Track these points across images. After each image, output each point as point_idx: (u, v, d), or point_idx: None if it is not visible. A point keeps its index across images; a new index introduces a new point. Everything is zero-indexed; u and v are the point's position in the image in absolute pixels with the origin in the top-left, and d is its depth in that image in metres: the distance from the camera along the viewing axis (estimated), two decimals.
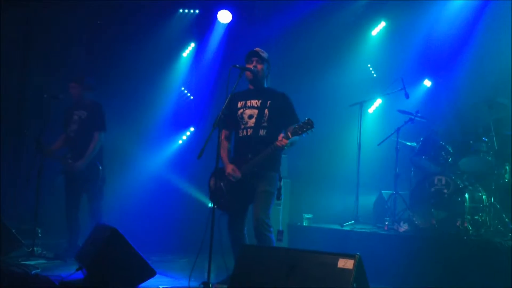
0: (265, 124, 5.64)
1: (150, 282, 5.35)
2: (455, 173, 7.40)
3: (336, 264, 4.22)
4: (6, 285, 5.29)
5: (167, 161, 9.88)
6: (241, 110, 5.74)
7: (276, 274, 4.43)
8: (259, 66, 5.73)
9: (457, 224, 6.78)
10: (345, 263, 4.19)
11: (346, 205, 8.44)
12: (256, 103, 5.72)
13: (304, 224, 8.09)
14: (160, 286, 5.55)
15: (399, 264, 6.51)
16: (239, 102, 5.78)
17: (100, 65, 9.79)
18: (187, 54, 10.30)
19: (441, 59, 9.05)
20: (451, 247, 6.38)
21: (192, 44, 10.27)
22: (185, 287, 5.42)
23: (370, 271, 4.29)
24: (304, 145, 5.70)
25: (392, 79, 8.49)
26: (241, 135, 5.73)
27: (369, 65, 9.87)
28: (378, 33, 9.76)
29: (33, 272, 5.79)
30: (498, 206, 7.17)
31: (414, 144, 8.12)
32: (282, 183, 5.71)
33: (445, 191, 7.13)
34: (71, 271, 5.57)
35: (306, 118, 5.32)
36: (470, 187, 7.13)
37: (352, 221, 7.90)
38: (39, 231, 7.51)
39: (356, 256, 4.18)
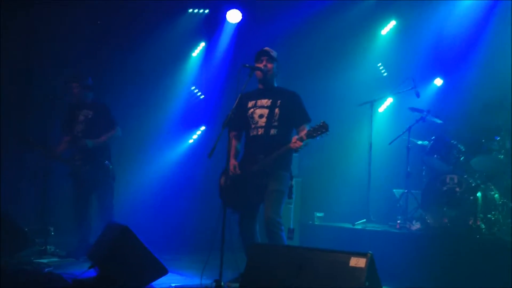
0: (275, 123, 5.64)
1: (163, 280, 5.36)
2: (467, 171, 7.37)
3: (348, 263, 4.21)
4: (19, 283, 5.32)
5: (178, 160, 9.90)
6: (252, 110, 5.74)
7: (287, 273, 4.43)
8: (269, 65, 5.73)
9: (470, 222, 6.76)
10: (357, 262, 4.18)
11: (358, 204, 8.43)
12: (266, 102, 5.72)
13: (315, 223, 8.09)
14: (172, 284, 5.56)
15: (411, 262, 6.49)
16: (249, 102, 5.78)
17: (110, 65, 9.81)
18: (197, 54, 10.31)
19: (452, 58, 9.01)
20: (463, 245, 6.36)
21: (202, 44, 10.27)
22: (197, 285, 5.43)
23: (382, 270, 4.29)
24: (315, 144, 5.68)
25: (403, 78, 8.44)
26: (251, 134, 5.73)
27: (379, 64, 9.83)
28: (388, 32, 9.72)
29: (46, 270, 5.82)
30: (510, 205, 7.14)
31: (425, 143, 8.10)
32: (293, 182, 5.70)
33: (457, 189, 7.10)
34: (84, 269, 5.59)
35: (321, 121, 5.30)
36: (483, 186, 7.10)
37: (364, 220, 7.89)
38: (52, 229, 7.55)
39: (368, 254, 4.17)
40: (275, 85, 5.87)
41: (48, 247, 6.91)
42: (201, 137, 10.18)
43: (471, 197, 6.91)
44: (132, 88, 9.78)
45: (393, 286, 5.89)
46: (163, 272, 5.33)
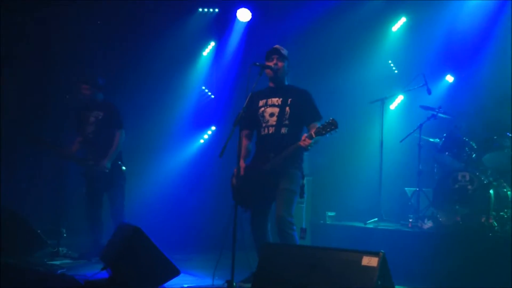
0: (286, 122, 5.62)
1: (174, 281, 5.37)
2: (479, 169, 7.33)
3: (360, 262, 4.19)
4: (32, 285, 5.35)
5: (189, 160, 9.91)
6: (263, 109, 5.73)
7: (299, 272, 4.42)
8: (280, 64, 5.72)
9: (482, 220, 6.72)
10: (369, 261, 4.16)
11: (369, 203, 8.41)
12: (277, 101, 5.70)
13: (327, 222, 8.08)
14: (184, 285, 5.57)
15: (423, 261, 6.46)
16: (260, 101, 5.77)
17: (121, 65, 9.83)
18: (207, 53, 10.32)
19: (463, 54, 8.97)
20: (476, 244, 6.32)
21: (212, 43, 10.28)
22: (209, 285, 5.43)
23: (394, 269, 4.26)
24: (326, 142, 5.67)
25: (414, 75, 8.42)
26: (262, 133, 5.72)
27: (390, 61, 9.80)
28: (398, 29, 9.68)
29: (58, 271, 5.84)
30: None
31: (437, 140, 8.06)
32: (305, 181, 5.68)
33: (469, 187, 7.07)
34: (96, 270, 5.60)
35: (330, 118, 5.28)
36: (495, 183, 7.06)
37: (376, 219, 7.87)
38: (64, 231, 7.59)
39: (381, 253, 4.14)
40: (286, 83, 5.85)
41: (60, 248, 6.94)
42: (211, 137, 10.18)
43: (483, 195, 6.88)
44: (143, 88, 9.80)
45: (405, 285, 5.87)
46: (175, 272, 5.33)
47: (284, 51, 5.78)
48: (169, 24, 9.80)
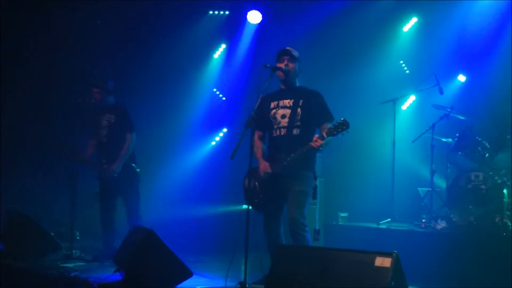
0: (298, 123, 5.62)
1: (187, 282, 5.37)
2: (492, 168, 7.29)
3: (373, 263, 4.18)
4: (45, 287, 5.38)
5: (200, 162, 9.93)
6: (274, 110, 5.73)
7: (312, 274, 4.41)
8: (291, 65, 5.71)
9: (496, 220, 6.68)
10: (383, 262, 4.14)
11: (382, 203, 8.38)
12: (288, 102, 5.70)
13: (339, 223, 8.05)
14: (197, 287, 5.57)
15: (437, 262, 6.43)
16: (271, 103, 5.77)
17: (132, 68, 9.87)
18: (218, 56, 10.34)
19: (475, 54, 8.93)
20: (490, 244, 6.29)
21: (223, 45, 10.30)
22: (221, 287, 5.43)
23: (407, 270, 4.25)
24: (338, 143, 5.66)
25: (426, 75, 8.39)
26: (274, 135, 5.72)
27: (401, 62, 9.77)
28: (410, 29, 9.66)
29: (72, 274, 5.86)
30: None
31: (449, 140, 8.03)
32: (317, 182, 5.67)
33: (483, 187, 7.03)
34: (109, 273, 5.63)
35: (342, 119, 5.27)
36: (509, 183, 7.02)
37: (389, 219, 7.84)
38: (77, 234, 7.62)
39: (394, 254, 4.13)
40: (297, 84, 5.85)
41: (73, 251, 6.96)
42: (223, 139, 10.19)
43: (497, 194, 6.85)
44: (154, 91, 9.84)
45: (419, 286, 5.84)
46: (188, 274, 5.34)
47: (295, 53, 5.77)
48: (180, 27, 9.83)
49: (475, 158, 7.49)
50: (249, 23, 9.71)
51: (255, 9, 9.45)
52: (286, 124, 5.64)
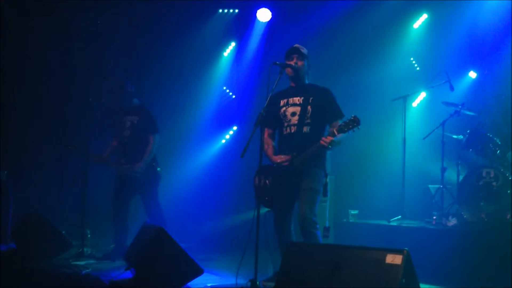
0: (308, 120, 5.61)
1: (198, 280, 5.39)
2: (503, 165, 7.26)
3: (384, 260, 4.16)
4: (57, 285, 5.41)
5: (210, 160, 9.94)
6: (284, 108, 5.73)
7: (323, 271, 4.41)
8: (300, 63, 5.71)
9: (508, 217, 6.65)
10: (393, 259, 4.13)
11: (393, 200, 8.36)
12: (298, 100, 5.70)
13: (350, 220, 8.04)
14: (208, 284, 5.58)
15: (448, 259, 6.40)
16: (281, 100, 5.77)
17: (141, 66, 9.90)
18: (228, 54, 10.34)
19: (486, 50, 8.87)
20: (501, 241, 6.23)
21: (233, 44, 10.30)
22: (232, 284, 5.44)
23: (418, 267, 4.23)
24: (348, 140, 5.64)
25: (436, 71, 8.35)
26: (285, 133, 5.72)
27: (411, 59, 9.73)
28: (420, 25, 9.61)
29: (83, 272, 5.89)
30: None
31: (460, 137, 7.99)
32: (327, 179, 5.66)
33: (494, 184, 7.00)
34: (120, 270, 5.65)
35: (352, 115, 5.27)
36: None
37: (399, 216, 7.82)
38: (88, 232, 7.65)
39: (405, 251, 4.12)
40: (307, 82, 5.84)
41: (85, 249, 7.00)
42: (233, 137, 10.20)
43: (509, 191, 6.82)
44: (164, 90, 9.86)
45: (430, 283, 5.83)
46: (198, 272, 5.36)
47: (304, 50, 5.77)
48: (190, 26, 9.84)
49: (486, 155, 7.46)
50: (258, 21, 9.71)
51: (265, 7, 9.44)
52: (296, 122, 5.64)
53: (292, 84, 5.83)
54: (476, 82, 9.08)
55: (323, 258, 4.51)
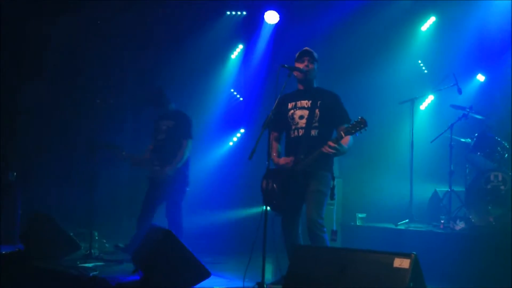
0: (316, 124, 5.61)
1: (205, 283, 5.39)
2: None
3: (392, 264, 4.16)
4: (64, 287, 5.42)
5: (218, 162, 9.94)
6: (292, 111, 5.73)
7: (330, 274, 4.41)
8: (311, 66, 5.70)
9: None
10: (401, 263, 4.13)
11: (400, 204, 8.34)
12: (306, 103, 5.69)
13: (357, 224, 8.02)
14: (215, 287, 5.58)
15: (456, 263, 6.38)
16: (289, 103, 5.77)
17: (149, 68, 9.93)
18: (236, 56, 10.35)
19: (494, 53, 8.85)
20: (509, 244, 6.21)
21: (240, 46, 10.31)
22: (239, 287, 5.44)
23: (426, 271, 4.23)
24: (355, 143, 5.63)
25: (444, 74, 8.35)
26: (292, 135, 5.72)
27: (419, 61, 9.71)
28: (428, 28, 9.59)
29: (91, 274, 5.90)
30: None
31: (468, 140, 7.97)
32: (335, 182, 5.66)
33: (502, 187, 6.99)
34: (127, 273, 5.66)
35: (359, 117, 5.25)
36: None
37: (407, 220, 7.80)
38: (96, 234, 7.67)
39: (412, 255, 4.11)
40: (315, 85, 5.84)
41: (92, 251, 7.02)
42: (241, 139, 10.20)
43: None
44: (172, 92, 9.85)
45: (438, 287, 5.80)
46: (205, 275, 5.36)
47: (315, 54, 5.77)
48: (198, 28, 9.86)
49: (495, 158, 7.44)
50: (266, 23, 9.72)
51: (273, 10, 9.44)
52: (304, 125, 5.63)
53: (300, 87, 5.83)
54: (484, 85, 9.06)
55: (330, 261, 4.51)
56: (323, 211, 5.50)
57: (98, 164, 7.35)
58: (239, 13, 10.09)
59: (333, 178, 5.63)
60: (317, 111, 5.61)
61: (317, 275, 4.50)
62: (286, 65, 5.52)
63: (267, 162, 5.28)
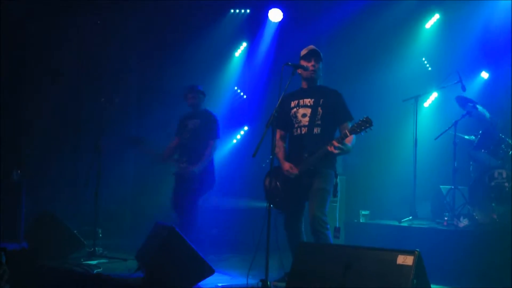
0: (319, 122, 5.61)
1: (209, 280, 5.40)
2: None
3: (395, 261, 4.17)
4: (69, 284, 5.44)
5: (222, 160, 9.93)
6: (295, 110, 5.73)
7: (334, 271, 4.42)
8: (317, 65, 5.70)
9: None
10: (405, 260, 4.14)
11: (404, 201, 8.34)
12: (309, 102, 5.69)
13: (361, 221, 8.03)
14: (219, 284, 5.59)
15: (459, 260, 6.39)
16: (292, 102, 5.77)
17: (153, 66, 9.94)
18: (239, 54, 10.36)
19: (498, 50, 8.83)
20: None
21: (244, 44, 10.32)
22: (243, 284, 5.45)
23: (430, 268, 4.23)
24: (360, 141, 5.63)
25: (448, 72, 8.32)
26: (295, 134, 5.72)
27: (423, 59, 9.70)
28: (432, 25, 9.59)
29: (95, 271, 5.92)
30: None
31: (472, 137, 7.96)
32: (338, 180, 5.66)
33: (506, 184, 6.99)
34: (131, 270, 5.67)
35: (365, 116, 5.24)
36: None
37: (410, 217, 7.80)
38: (100, 231, 7.69)
39: (416, 252, 4.12)
40: (318, 84, 5.84)
41: (96, 248, 7.03)
42: (244, 137, 10.20)
43: None
44: (176, 89, 9.88)
45: (441, 284, 5.80)
46: (209, 272, 5.37)
47: (321, 53, 5.77)
48: (201, 26, 9.88)
49: (499, 156, 7.43)
50: (270, 21, 9.72)
51: (276, 7, 9.44)
52: (307, 123, 5.64)
53: (304, 86, 5.83)
54: (488, 82, 9.05)
55: (334, 258, 4.52)
56: (326, 208, 5.50)
57: (103, 162, 7.37)
58: (243, 11, 10.10)
59: (336, 176, 5.64)
60: (319, 109, 5.61)
61: (320, 272, 4.51)
62: (290, 63, 5.52)
63: (268, 161, 5.28)
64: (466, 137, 8.07)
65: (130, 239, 8.29)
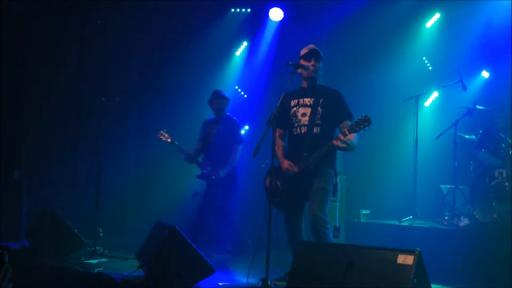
0: (318, 121, 5.61)
1: (209, 279, 5.40)
2: None
3: (396, 260, 4.17)
4: (69, 283, 5.44)
5: None
6: (295, 109, 5.73)
7: (334, 271, 4.41)
8: (317, 65, 5.71)
9: None
10: (405, 259, 4.13)
11: (404, 200, 8.34)
12: (309, 101, 5.70)
13: (361, 220, 8.03)
14: (219, 283, 5.60)
15: (460, 259, 6.39)
16: (292, 101, 5.77)
17: (153, 66, 9.94)
18: (240, 53, 10.35)
19: (499, 49, 8.83)
20: None
21: (245, 43, 10.31)
22: (243, 284, 5.45)
23: (430, 267, 4.23)
24: (360, 140, 5.63)
25: (449, 71, 8.33)
26: (295, 133, 5.72)
27: (424, 58, 9.70)
28: (432, 25, 9.58)
29: (95, 270, 5.92)
30: None
31: (473, 137, 7.97)
32: (338, 179, 5.66)
33: (507, 184, 6.99)
34: (132, 269, 5.68)
35: (363, 115, 5.24)
36: None
37: (411, 216, 7.80)
38: (100, 231, 7.70)
39: (416, 251, 4.12)
40: (318, 83, 5.84)
41: (97, 248, 7.04)
42: (245, 136, 10.19)
43: None
44: (176, 89, 9.89)
45: (442, 284, 5.81)
46: (210, 271, 5.37)
47: (321, 53, 5.77)
48: (202, 25, 9.87)
49: (499, 155, 7.43)
50: (270, 20, 9.71)
51: (277, 7, 9.44)
52: (306, 123, 5.64)
53: (304, 85, 5.83)
54: (489, 81, 9.05)
55: (334, 257, 4.52)
56: (326, 207, 5.50)
57: (103, 162, 7.37)
58: (243, 10, 10.09)
59: (336, 175, 5.65)
60: (319, 108, 5.61)
61: (320, 271, 4.51)
62: (290, 63, 5.52)
63: (267, 161, 5.28)
64: (467, 136, 8.07)
65: (131, 238, 8.31)
